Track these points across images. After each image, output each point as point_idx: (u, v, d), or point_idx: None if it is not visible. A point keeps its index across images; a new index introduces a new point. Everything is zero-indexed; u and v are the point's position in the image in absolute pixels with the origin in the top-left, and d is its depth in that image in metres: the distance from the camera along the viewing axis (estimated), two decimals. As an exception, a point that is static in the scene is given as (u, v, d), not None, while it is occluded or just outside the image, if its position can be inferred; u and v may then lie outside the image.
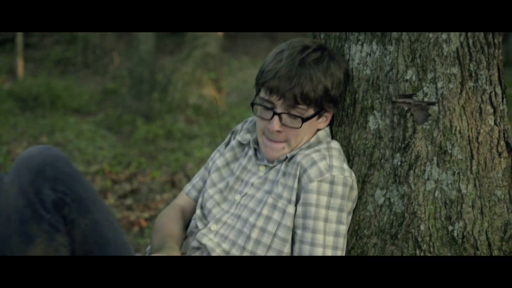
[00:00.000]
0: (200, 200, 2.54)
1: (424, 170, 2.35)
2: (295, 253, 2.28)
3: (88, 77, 12.46)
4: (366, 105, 2.43)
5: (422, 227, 2.34)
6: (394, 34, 2.37)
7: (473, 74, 2.37)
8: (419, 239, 2.34)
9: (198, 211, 2.51)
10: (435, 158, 2.35)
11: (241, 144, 2.58)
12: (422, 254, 2.34)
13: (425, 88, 2.36)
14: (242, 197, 2.43)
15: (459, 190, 2.35)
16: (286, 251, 2.31)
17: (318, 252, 2.24)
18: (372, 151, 2.41)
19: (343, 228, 2.28)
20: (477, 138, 2.36)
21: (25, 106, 9.67)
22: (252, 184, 2.43)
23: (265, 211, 2.32)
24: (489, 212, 2.36)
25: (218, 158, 2.60)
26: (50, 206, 2.18)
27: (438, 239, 2.34)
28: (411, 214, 2.35)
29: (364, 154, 2.42)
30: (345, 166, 2.33)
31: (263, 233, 2.31)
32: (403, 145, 2.36)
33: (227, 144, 2.65)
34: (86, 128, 8.41)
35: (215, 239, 2.39)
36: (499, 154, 2.39)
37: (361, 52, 2.45)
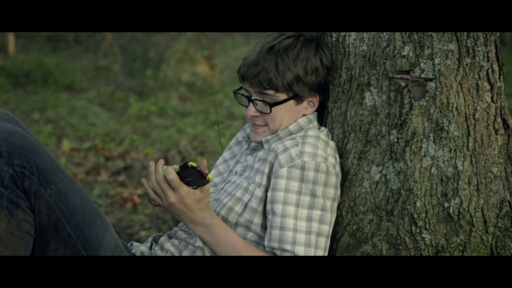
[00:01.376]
0: None
1: (421, 147, 2.35)
2: (266, 239, 2.30)
3: (80, 54, 12.40)
4: (363, 81, 2.42)
5: (418, 204, 2.34)
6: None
7: (471, 51, 2.36)
8: (415, 216, 2.34)
9: None
10: (431, 135, 2.35)
11: (238, 142, 2.64)
12: (418, 231, 2.34)
13: (422, 64, 2.35)
14: (225, 184, 2.47)
15: (455, 167, 2.34)
16: (253, 227, 2.35)
17: (288, 236, 2.25)
18: (368, 127, 2.41)
19: (317, 214, 2.28)
20: (474, 115, 2.36)
21: (17, 82, 9.62)
22: (236, 172, 2.48)
23: (238, 193, 2.37)
24: (485, 189, 2.36)
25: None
26: (8, 182, 2.18)
27: (434, 215, 2.34)
28: (407, 191, 2.35)
29: (360, 130, 2.42)
30: (320, 152, 2.33)
31: (230, 212, 2.36)
32: (399, 122, 2.36)
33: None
34: (79, 104, 8.38)
35: None
36: (496, 131, 2.38)
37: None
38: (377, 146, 2.39)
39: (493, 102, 2.39)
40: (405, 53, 2.35)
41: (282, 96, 2.40)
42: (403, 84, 2.35)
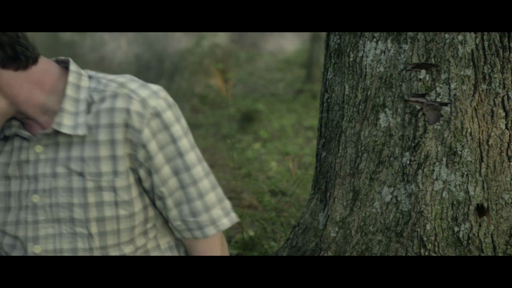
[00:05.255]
0: None
1: (433, 170, 2.36)
2: (179, 220, 1.83)
3: (94, 62, 12.45)
4: (378, 102, 2.43)
5: (428, 227, 2.35)
6: (410, 33, 2.37)
7: (487, 77, 2.37)
8: (425, 239, 2.34)
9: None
10: (444, 159, 2.35)
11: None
12: (426, 254, 2.34)
13: (438, 88, 2.36)
14: (40, 196, 1.83)
15: (467, 192, 2.35)
16: (137, 223, 1.82)
17: (212, 199, 1.81)
18: (381, 148, 2.42)
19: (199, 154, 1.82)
20: (487, 141, 2.37)
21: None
22: (44, 174, 1.82)
23: (91, 199, 1.79)
24: (495, 215, 2.37)
25: None
26: None
27: (443, 239, 2.34)
28: (418, 213, 2.35)
29: (373, 151, 2.43)
30: (152, 86, 1.80)
31: (104, 222, 1.81)
32: (413, 144, 2.37)
33: None
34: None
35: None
36: (509, 158, 2.39)
37: (376, 49, 2.45)
38: (389, 167, 2.40)
39: (508, 129, 2.39)
40: (421, 77, 2.37)
41: None
42: (418, 107, 2.37)
